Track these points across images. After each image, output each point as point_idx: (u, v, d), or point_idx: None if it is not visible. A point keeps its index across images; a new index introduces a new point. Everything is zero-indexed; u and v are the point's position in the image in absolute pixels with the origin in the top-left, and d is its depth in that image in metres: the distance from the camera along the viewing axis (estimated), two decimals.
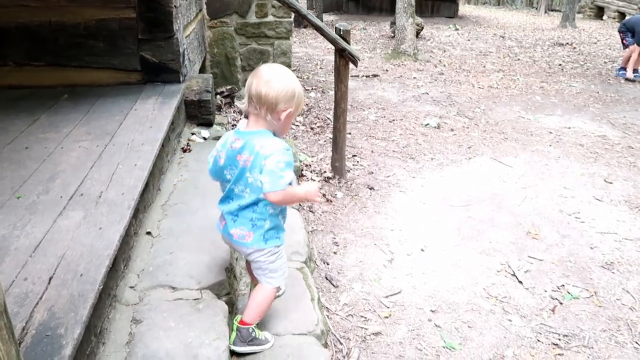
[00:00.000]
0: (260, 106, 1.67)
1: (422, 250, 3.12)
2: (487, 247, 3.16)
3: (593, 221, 3.48)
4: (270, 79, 1.67)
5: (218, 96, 5.38)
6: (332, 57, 9.49)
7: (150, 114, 2.97)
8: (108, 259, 1.68)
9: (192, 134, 3.57)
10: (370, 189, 3.85)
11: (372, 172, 4.14)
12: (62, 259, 1.67)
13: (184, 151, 3.28)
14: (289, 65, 5.52)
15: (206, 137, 3.60)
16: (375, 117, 5.61)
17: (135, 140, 2.64)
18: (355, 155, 4.46)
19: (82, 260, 1.67)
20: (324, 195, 3.66)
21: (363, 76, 7.62)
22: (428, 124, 5.36)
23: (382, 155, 4.51)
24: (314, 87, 6.79)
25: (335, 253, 3.04)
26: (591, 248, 3.16)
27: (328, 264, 2.91)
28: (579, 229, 3.37)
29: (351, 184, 3.89)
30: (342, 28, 3.38)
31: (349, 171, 4.11)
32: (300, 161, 4.13)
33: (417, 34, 10.51)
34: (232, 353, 1.85)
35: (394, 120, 5.54)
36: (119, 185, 2.18)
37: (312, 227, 3.26)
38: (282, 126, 1.75)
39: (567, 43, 11.18)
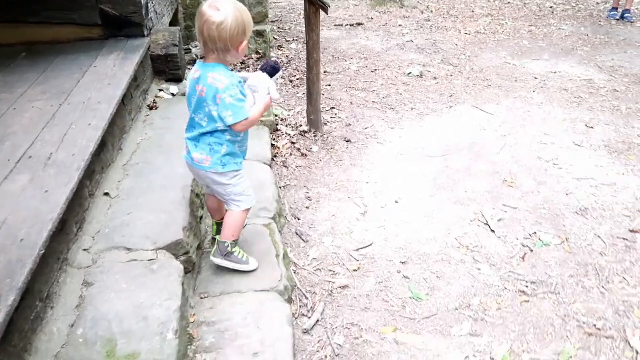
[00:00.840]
0: (217, 48, 1.76)
1: (397, 202, 3.09)
2: (462, 197, 3.12)
3: (571, 167, 3.43)
4: (220, 22, 1.70)
5: (193, 50, 5.21)
6: None
7: (110, 71, 2.86)
8: (52, 222, 1.63)
9: (160, 90, 3.46)
10: (347, 141, 3.78)
11: (350, 125, 4.05)
12: (4, 224, 1.63)
13: (151, 109, 3.18)
14: (265, 16, 5.33)
15: (175, 93, 3.49)
16: (357, 68, 5.46)
17: (92, 98, 2.54)
18: (333, 108, 4.36)
19: (24, 225, 1.62)
20: (298, 150, 3.59)
21: (347, 25, 7.37)
22: (410, 73, 5.22)
23: (361, 107, 4.41)
24: (295, 38, 6.58)
25: (307, 208, 3.00)
26: (567, 194, 3.13)
27: (299, 220, 2.88)
28: (556, 176, 3.33)
29: (327, 137, 3.81)
30: None
31: (326, 124, 4.02)
32: (276, 115, 4.03)
33: None
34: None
35: (376, 70, 5.39)
36: (71, 146, 2.11)
37: (285, 183, 3.22)
38: (240, 55, 1.85)
39: None
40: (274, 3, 8.91)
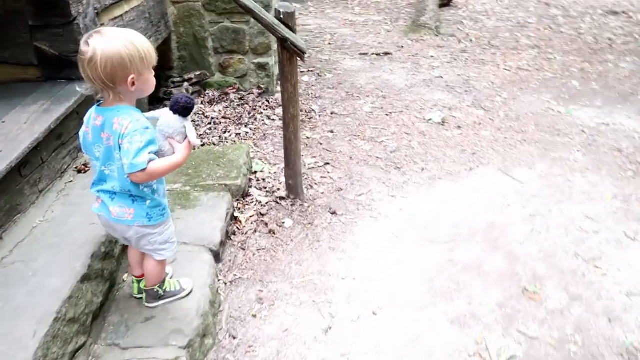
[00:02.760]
0: (102, 88, 1.59)
1: (374, 313, 2.34)
2: (463, 312, 2.34)
3: (618, 273, 2.58)
4: (89, 58, 1.52)
5: (185, 84, 4.67)
6: (347, 30, 8.50)
7: (16, 130, 2.28)
8: None
9: None
10: (332, 213, 3.06)
11: (341, 189, 3.33)
12: None
13: (79, 172, 2.59)
14: (268, 47, 4.71)
15: None
16: (370, 109, 4.74)
17: None
18: (327, 164, 3.66)
19: None
20: (266, 224, 2.90)
21: (373, 54, 6.67)
22: (430, 119, 4.45)
23: (362, 164, 3.67)
24: (310, 69, 5.93)
25: (254, 316, 2.30)
26: (609, 320, 2.29)
27: (236, 338, 2.17)
28: (596, 286, 2.49)
29: (309, 207, 3.10)
30: (282, 10, 2.54)
31: (311, 187, 3.32)
32: (253, 172, 3.37)
33: (449, 1, 9.38)
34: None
35: (392, 112, 4.65)
36: None
37: (234, 275, 2.52)
38: (140, 90, 1.64)
39: (623, 11, 9.69)
40: (302, 26, 8.35)
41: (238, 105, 4.63)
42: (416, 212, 3.11)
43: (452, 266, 2.64)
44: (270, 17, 2.53)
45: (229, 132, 4.04)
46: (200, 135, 3.95)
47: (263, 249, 2.73)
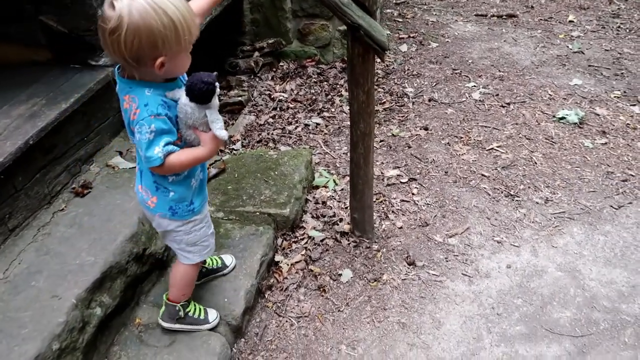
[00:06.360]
0: (123, 64, 1.29)
1: None
2: None
3: None
4: (114, 28, 1.17)
5: (256, 53, 3.94)
6: None
7: None
8: None
9: (120, 153, 2.23)
10: (410, 264, 2.23)
11: (427, 224, 2.46)
12: None
13: (77, 194, 1.99)
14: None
15: None
16: (480, 96, 3.69)
17: None
18: (413, 180, 2.77)
19: None
20: (315, 277, 2.15)
21: (493, 16, 5.43)
22: (564, 118, 3.33)
23: (460, 183, 2.75)
24: (412, 34, 4.89)
25: None
26: None
27: None
28: None
29: (378, 251, 2.29)
30: None
31: (386, 216, 2.49)
32: (313, 187, 2.60)
33: None
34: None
35: (509, 103, 3.58)
36: None
37: None
38: (169, 72, 1.31)
39: None
40: None
41: (315, 82, 3.82)
42: (532, 274, 2.18)
43: None
44: None
45: (295, 122, 3.27)
46: (261, 125, 3.23)
47: (306, 315, 1.99)
